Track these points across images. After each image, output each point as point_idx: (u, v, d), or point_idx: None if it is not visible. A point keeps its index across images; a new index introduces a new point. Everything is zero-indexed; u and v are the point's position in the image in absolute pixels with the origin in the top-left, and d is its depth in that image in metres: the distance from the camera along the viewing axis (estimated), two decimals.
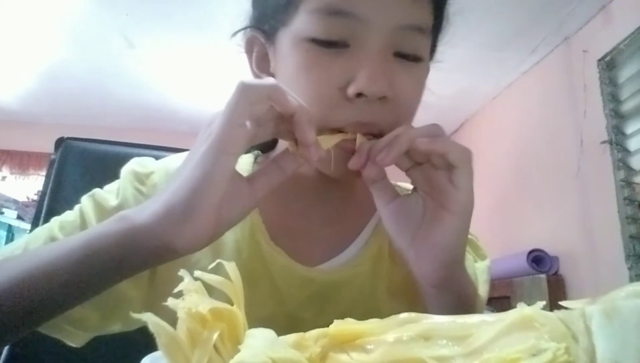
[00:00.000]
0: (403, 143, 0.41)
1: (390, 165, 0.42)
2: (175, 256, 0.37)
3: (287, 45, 0.46)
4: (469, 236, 0.59)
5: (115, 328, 0.49)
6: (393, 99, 0.44)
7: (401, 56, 0.45)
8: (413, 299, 0.49)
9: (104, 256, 0.36)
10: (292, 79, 0.45)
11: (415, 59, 0.46)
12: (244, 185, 0.40)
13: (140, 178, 0.51)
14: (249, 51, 0.52)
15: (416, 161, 0.43)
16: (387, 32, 0.43)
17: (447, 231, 0.42)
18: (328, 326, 0.45)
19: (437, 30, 0.51)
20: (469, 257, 0.57)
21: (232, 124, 0.37)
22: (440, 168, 0.42)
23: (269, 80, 0.39)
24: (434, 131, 0.42)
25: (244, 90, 0.37)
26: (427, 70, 0.50)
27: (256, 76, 0.52)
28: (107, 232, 0.37)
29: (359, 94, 0.43)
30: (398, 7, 0.43)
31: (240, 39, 0.53)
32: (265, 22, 0.49)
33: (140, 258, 0.37)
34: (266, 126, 0.40)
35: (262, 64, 0.51)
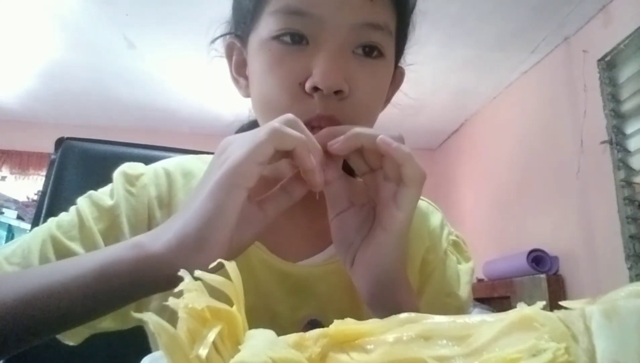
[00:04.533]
0: (362, 137, 0.41)
1: (342, 154, 0.42)
2: None
3: (255, 47, 0.49)
4: (455, 237, 0.59)
5: (109, 324, 0.49)
6: (351, 95, 0.45)
7: (361, 53, 0.47)
8: None
9: (117, 282, 0.37)
10: (260, 78, 0.48)
11: (374, 56, 0.47)
12: (254, 210, 0.41)
13: (130, 180, 0.52)
14: (228, 56, 0.55)
15: (371, 167, 0.43)
16: (344, 30, 0.45)
17: (380, 250, 0.42)
18: (305, 320, 0.45)
19: (402, 32, 0.52)
20: (452, 258, 0.57)
21: (250, 161, 0.37)
22: (390, 181, 0.41)
23: (298, 133, 0.39)
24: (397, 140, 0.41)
25: (275, 135, 0.37)
26: (390, 68, 0.51)
27: (235, 80, 0.55)
28: (121, 258, 0.37)
29: (316, 88, 0.44)
30: (354, 6, 0.45)
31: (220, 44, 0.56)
32: (239, 28, 0.53)
33: (152, 285, 0.37)
34: (275, 156, 0.40)
35: (240, 69, 0.54)
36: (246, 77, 0.53)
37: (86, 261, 0.38)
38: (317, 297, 0.51)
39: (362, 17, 0.45)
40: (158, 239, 0.37)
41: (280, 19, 0.45)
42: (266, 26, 0.47)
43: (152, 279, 0.37)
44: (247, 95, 0.54)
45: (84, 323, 0.40)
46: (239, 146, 0.38)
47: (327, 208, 0.45)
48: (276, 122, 0.38)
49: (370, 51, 0.47)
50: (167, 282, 0.36)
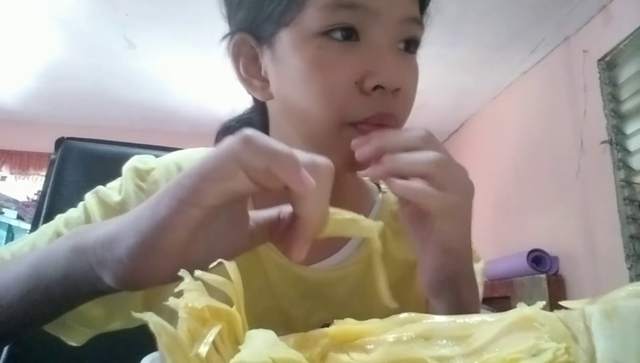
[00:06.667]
0: (386, 170, 0.40)
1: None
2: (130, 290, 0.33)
3: (290, 45, 0.45)
4: None
5: (117, 325, 0.49)
6: (402, 90, 0.45)
7: (403, 48, 0.47)
8: (405, 300, 0.50)
9: (49, 278, 0.34)
10: (302, 77, 0.45)
11: (412, 50, 0.47)
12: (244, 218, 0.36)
13: (141, 175, 0.51)
14: (235, 55, 0.51)
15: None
16: (394, 24, 0.44)
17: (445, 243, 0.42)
18: (319, 324, 0.45)
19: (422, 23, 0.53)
20: None
21: (208, 179, 0.31)
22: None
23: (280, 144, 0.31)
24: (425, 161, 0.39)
25: (245, 149, 0.30)
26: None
27: (246, 81, 0.51)
28: (55, 251, 0.34)
29: (376, 87, 0.43)
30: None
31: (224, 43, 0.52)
32: (260, 26, 0.48)
33: (86, 279, 0.34)
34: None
35: (251, 69, 0.50)
36: (261, 79, 0.49)
37: (23, 261, 0.37)
38: (331, 301, 0.51)
39: (410, 11, 0.46)
40: (98, 229, 0.33)
41: (331, 13, 0.43)
42: (312, 21, 0.44)
43: (85, 273, 0.33)
44: (266, 97, 0.50)
45: (38, 327, 0.38)
46: (203, 160, 0.32)
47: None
48: (247, 134, 0.31)
49: (411, 45, 0.47)
50: (101, 283, 0.32)
